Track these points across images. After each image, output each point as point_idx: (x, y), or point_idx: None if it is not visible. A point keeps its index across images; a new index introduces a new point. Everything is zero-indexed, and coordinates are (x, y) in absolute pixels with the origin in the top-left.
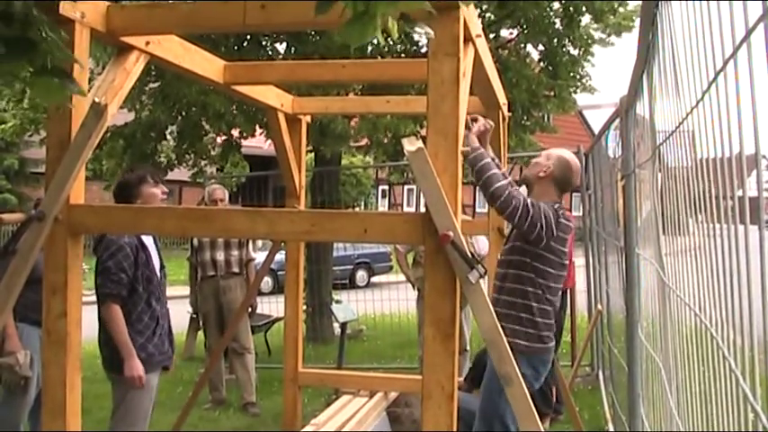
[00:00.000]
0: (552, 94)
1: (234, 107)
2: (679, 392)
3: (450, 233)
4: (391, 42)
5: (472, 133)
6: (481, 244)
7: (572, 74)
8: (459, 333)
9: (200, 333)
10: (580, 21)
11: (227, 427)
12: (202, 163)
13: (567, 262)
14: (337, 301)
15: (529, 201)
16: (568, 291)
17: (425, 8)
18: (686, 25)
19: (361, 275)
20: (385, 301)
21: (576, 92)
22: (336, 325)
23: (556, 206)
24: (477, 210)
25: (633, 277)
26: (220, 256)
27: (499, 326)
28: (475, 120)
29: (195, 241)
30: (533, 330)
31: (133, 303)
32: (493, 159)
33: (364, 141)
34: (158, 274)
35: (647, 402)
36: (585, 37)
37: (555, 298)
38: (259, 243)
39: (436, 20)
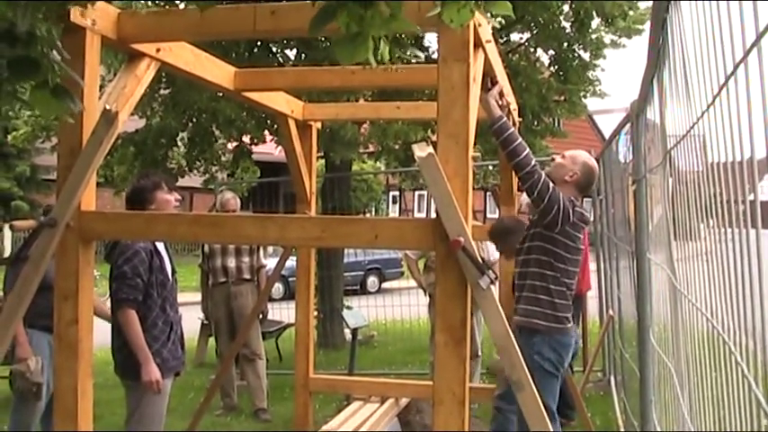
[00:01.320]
0: (563, 98)
1: (244, 113)
2: (691, 398)
3: (461, 239)
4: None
5: (491, 97)
6: (491, 249)
7: (582, 78)
8: (471, 338)
9: (212, 339)
10: (590, 25)
11: None
12: (213, 169)
13: (582, 247)
14: (348, 307)
15: (549, 181)
16: (580, 297)
17: (416, 31)
18: (696, 29)
19: (372, 281)
20: (396, 307)
21: (586, 96)
22: (347, 331)
23: (572, 198)
24: (488, 215)
25: (645, 282)
26: (231, 262)
27: (511, 332)
28: (493, 82)
29: (206, 248)
30: (551, 311)
31: (148, 308)
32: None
33: (373, 148)
34: (171, 279)
35: (660, 408)
36: (596, 41)
37: (571, 281)
38: (270, 249)
39: (446, 25)
